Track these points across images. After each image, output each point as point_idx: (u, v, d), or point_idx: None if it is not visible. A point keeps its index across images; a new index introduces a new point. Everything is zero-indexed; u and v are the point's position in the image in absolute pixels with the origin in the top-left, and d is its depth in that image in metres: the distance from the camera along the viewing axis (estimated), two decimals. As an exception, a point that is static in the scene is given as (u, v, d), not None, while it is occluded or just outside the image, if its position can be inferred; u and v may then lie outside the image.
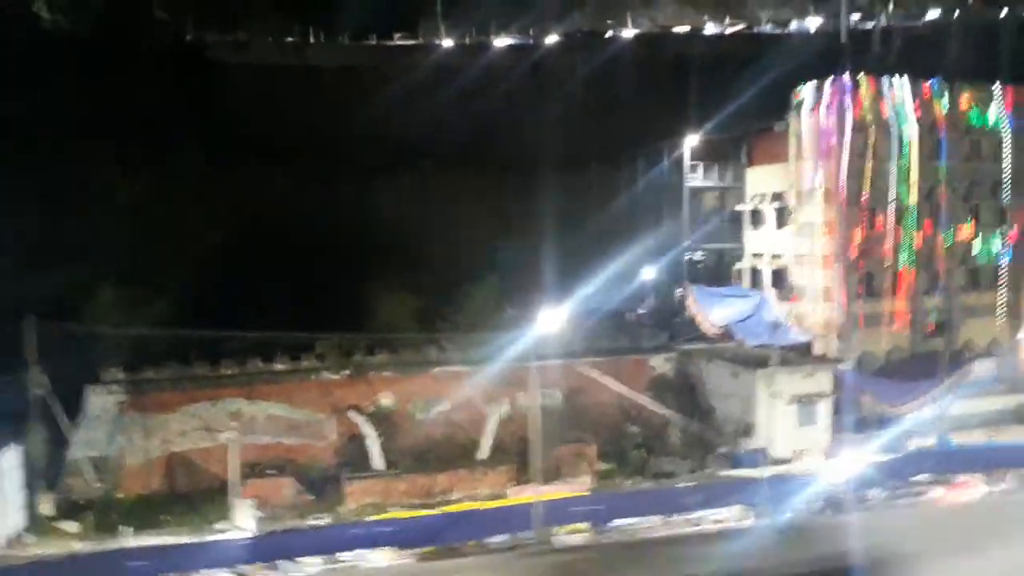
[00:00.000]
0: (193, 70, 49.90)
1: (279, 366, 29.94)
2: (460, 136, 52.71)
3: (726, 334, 39.45)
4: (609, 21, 68.33)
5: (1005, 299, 41.45)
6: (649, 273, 48.09)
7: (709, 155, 45.73)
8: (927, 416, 34.12)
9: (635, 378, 33.79)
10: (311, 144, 47.42)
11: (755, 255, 44.15)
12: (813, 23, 67.76)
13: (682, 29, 68.95)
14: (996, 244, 41.03)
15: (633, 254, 50.36)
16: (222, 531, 24.45)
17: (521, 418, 31.87)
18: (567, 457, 29.80)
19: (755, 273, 44.09)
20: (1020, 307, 41.96)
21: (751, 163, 44.66)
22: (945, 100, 39.47)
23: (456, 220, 47.05)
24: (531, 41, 65.78)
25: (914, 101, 38.79)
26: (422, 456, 29.24)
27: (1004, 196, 40.91)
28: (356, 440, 29.70)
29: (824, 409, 32.95)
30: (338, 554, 22.85)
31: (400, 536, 22.62)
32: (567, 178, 52.64)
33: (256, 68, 52.66)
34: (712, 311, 40.65)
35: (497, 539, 24.41)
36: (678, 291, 45.36)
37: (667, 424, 33.47)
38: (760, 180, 43.67)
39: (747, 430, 32.08)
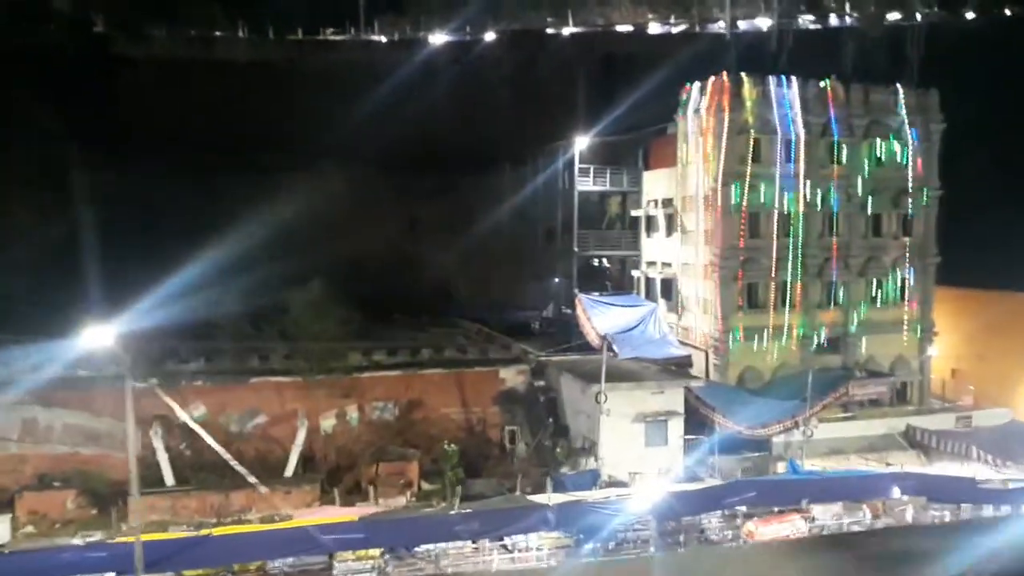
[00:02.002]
0: (93, 63, 48.78)
1: (82, 372, 28.40)
2: (372, 136, 51.21)
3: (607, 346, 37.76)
4: (550, 18, 66.53)
5: (912, 313, 39.14)
6: (560, 280, 46.41)
7: (611, 157, 43.76)
8: (794, 439, 32.06)
9: (482, 391, 31.97)
10: (202, 141, 46.16)
11: (649, 263, 42.24)
12: (764, 23, 65.52)
13: (625, 28, 67.04)
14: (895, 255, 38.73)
15: (528, 259, 48.79)
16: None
17: (346, 432, 30.41)
18: (385, 476, 28.08)
19: (649, 282, 42.20)
20: (930, 322, 39.71)
21: (647, 166, 42.76)
22: (841, 102, 37.32)
23: (341, 223, 45.72)
24: (466, 38, 64.16)
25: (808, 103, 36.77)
26: (224, 472, 27.58)
27: (908, 205, 38.60)
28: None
29: (675, 429, 30.97)
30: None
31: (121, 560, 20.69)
32: (477, 179, 51.08)
33: (161, 62, 51.46)
34: (598, 320, 38.94)
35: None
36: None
37: (512, 441, 31.68)
38: (655, 185, 41.76)
39: (590, 449, 30.17)
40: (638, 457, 30.20)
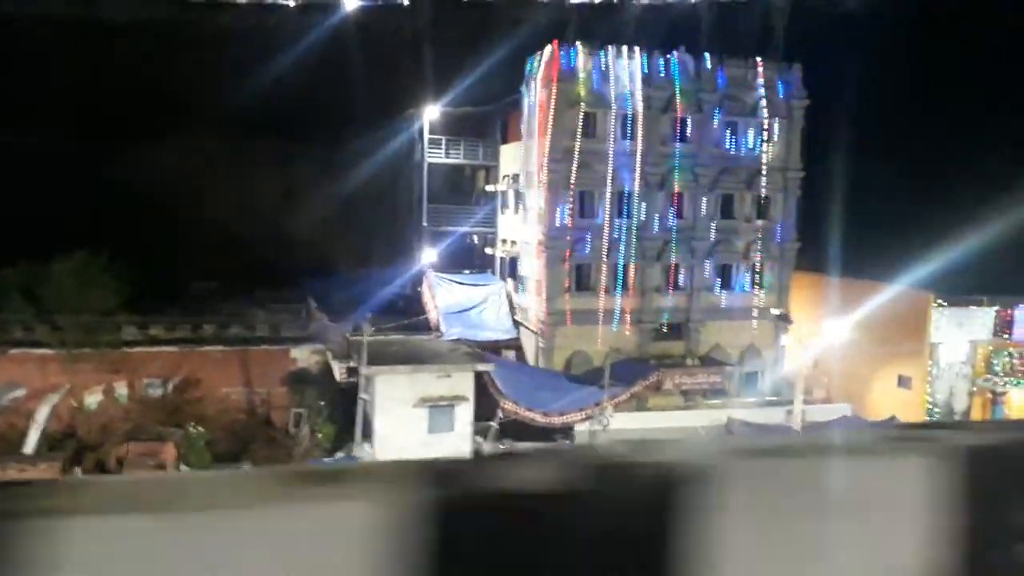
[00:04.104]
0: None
1: None
2: (250, 102, 49.43)
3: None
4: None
5: (764, 300, 37.32)
6: (429, 256, 44.72)
7: (476, 128, 41.89)
8: (592, 427, 30.50)
9: (269, 371, 30.57)
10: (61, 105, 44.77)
11: (503, 240, 40.56)
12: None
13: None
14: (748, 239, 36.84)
15: (401, 232, 47.09)
16: None
17: (112, 409, 29.13)
18: (134, 456, 26.77)
19: (503, 260, 40.56)
20: (787, 309, 37.95)
21: (505, 139, 40.88)
22: (689, 75, 35.24)
23: (212, 191, 44.38)
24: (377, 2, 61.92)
25: (651, 75, 34.71)
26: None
27: (762, 185, 36.61)
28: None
29: (463, 415, 29.49)
30: None
31: None
32: (361, 147, 49.29)
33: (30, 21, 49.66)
34: (441, 298, 37.60)
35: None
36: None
37: (298, 424, 30.32)
38: (510, 159, 39.91)
39: (367, 433, 28.78)
40: (422, 443, 28.78)
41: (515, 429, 30.38)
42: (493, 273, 40.92)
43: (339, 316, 37.35)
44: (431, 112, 39.04)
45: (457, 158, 40.57)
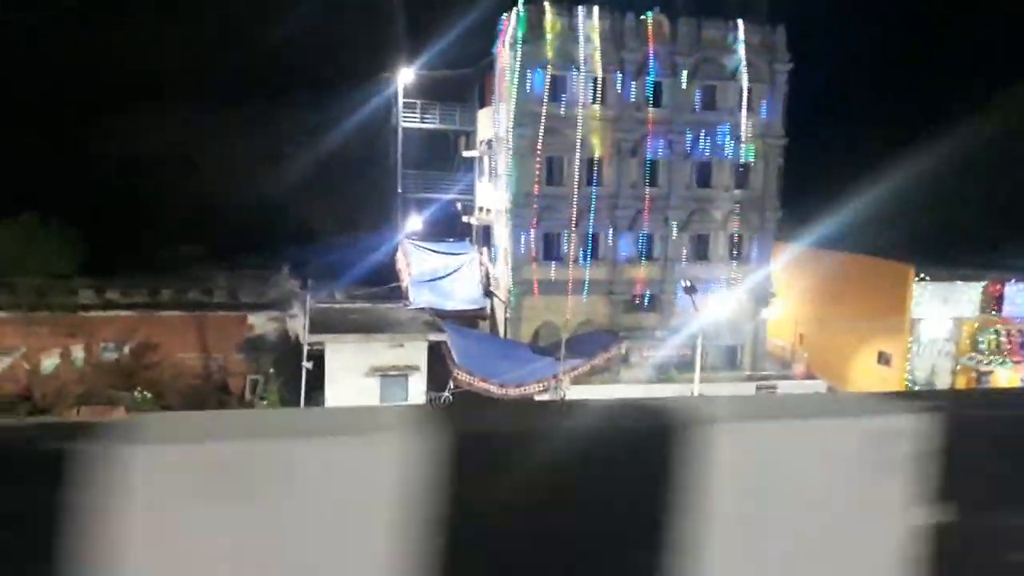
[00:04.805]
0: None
1: None
2: (231, 65, 48.98)
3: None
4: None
5: (744, 272, 36.30)
6: (413, 223, 44.22)
7: (455, 91, 40.94)
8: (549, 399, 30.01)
9: (225, 337, 30.45)
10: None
11: (479, 208, 39.86)
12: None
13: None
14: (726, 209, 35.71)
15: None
16: None
17: (69, 373, 29.29)
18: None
19: (478, 229, 39.90)
20: (767, 282, 36.89)
21: (483, 103, 39.93)
22: (664, 38, 33.97)
23: (197, 160, 44.33)
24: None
25: (624, 37, 33.51)
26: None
27: (740, 153, 35.37)
28: None
29: (416, 384, 29.16)
30: None
31: None
32: (347, 110, 48.68)
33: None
34: (415, 266, 37.26)
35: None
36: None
37: (253, 391, 30.25)
38: (486, 124, 39.03)
39: (317, 401, 28.60)
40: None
41: (476, 400, 30.00)
42: (472, 242, 40.31)
43: (316, 283, 37.15)
44: (406, 75, 38.18)
45: (433, 123, 39.73)
